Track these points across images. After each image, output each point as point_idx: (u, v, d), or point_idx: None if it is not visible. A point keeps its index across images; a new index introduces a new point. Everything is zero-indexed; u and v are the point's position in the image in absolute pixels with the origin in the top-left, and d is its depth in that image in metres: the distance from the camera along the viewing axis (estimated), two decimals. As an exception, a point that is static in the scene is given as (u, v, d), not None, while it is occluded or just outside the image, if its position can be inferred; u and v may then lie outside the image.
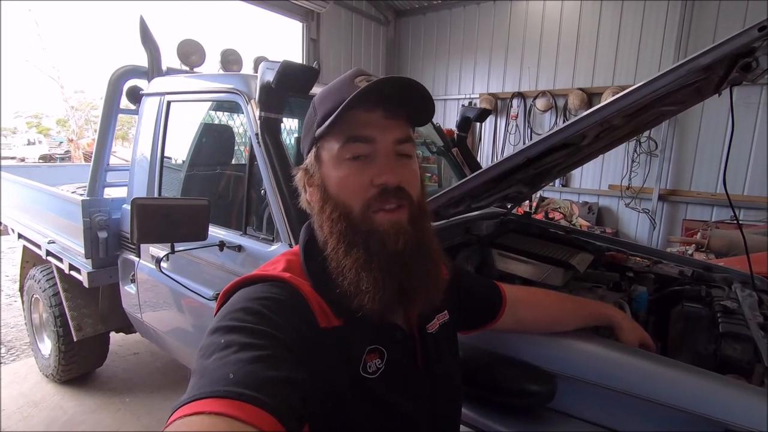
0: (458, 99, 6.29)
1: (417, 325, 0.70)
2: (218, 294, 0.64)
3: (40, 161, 15.70)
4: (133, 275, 2.03)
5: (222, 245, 1.52)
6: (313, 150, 0.66)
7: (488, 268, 1.51)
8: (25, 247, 2.85)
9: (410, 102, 0.63)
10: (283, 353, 0.50)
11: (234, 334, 0.49)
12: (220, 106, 1.89)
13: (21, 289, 2.97)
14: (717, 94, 1.37)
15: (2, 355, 3.10)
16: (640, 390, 0.85)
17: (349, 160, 0.61)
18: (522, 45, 5.71)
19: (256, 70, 2.37)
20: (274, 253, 1.39)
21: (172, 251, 1.37)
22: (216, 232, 1.58)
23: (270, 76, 1.29)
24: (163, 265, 1.78)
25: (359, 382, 0.60)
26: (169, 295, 1.84)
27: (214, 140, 2.00)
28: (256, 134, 1.42)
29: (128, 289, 2.09)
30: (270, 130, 1.40)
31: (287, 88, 1.33)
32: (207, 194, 1.94)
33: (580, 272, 1.45)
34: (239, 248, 1.51)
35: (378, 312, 0.60)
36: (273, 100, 1.37)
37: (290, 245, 1.35)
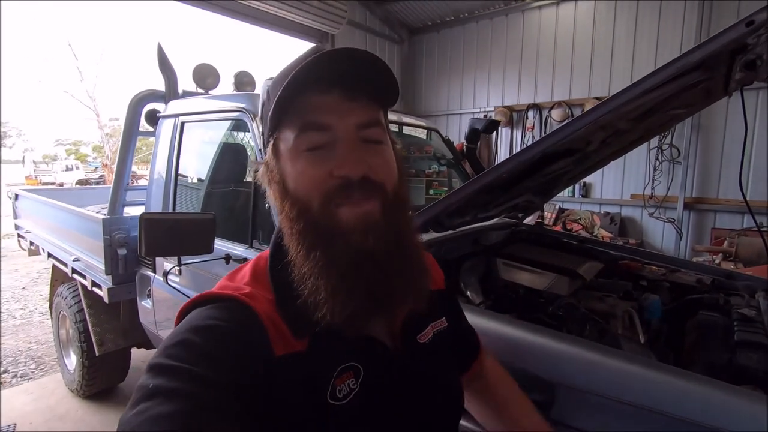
0: (473, 113, 6.29)
1: (403, 336, 0.61)
2: None
3: (77, 186, 16.56)
4: (150, 290, 2.10)
5: (228, 258, 1.55)
6: (271, 142, 0.57)
7: (493, 277, 1.48)
8: (54, 266, 3.00)
9: (372, 79, 0.53)
10: (218, 401, 0.43)
11: (164, 377, 0.44)
12: (230, 124, 1.96)
13: (50, 307, 3.11)
14: (727, 96, 1.33)
15: (32, 370, 3.23)
16: (641, 400, 0.82)
17: (306, 151, 0.53)
18: (536, 57, 5.69)
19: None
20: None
21: (179, 264, 1.42)
22: (224, 245, 1.62)
23: (270, 93, 1.34)
24: (173, 278, 1.83)
25: (325, 411, 0.51)
26: (182, 309, 1.88)
27: (225, 158, 2.07)
28: (260, 150, 1.47)
29: (145, 305, 2.16)
30: (273, 145, 1.44)
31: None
32: (219, 210, 2.00)
33: (587, 280, 1.41)
34: (245, 261, 1.54)
35: (341, 325, 0.51)
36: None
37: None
